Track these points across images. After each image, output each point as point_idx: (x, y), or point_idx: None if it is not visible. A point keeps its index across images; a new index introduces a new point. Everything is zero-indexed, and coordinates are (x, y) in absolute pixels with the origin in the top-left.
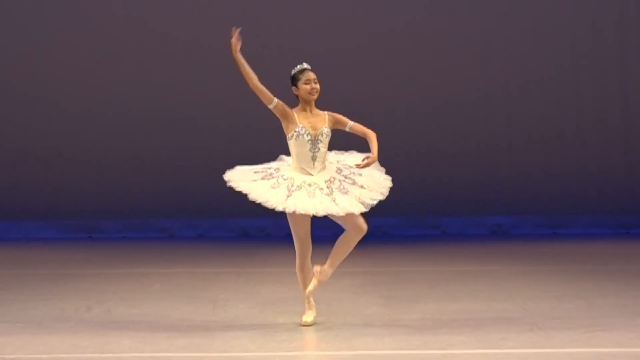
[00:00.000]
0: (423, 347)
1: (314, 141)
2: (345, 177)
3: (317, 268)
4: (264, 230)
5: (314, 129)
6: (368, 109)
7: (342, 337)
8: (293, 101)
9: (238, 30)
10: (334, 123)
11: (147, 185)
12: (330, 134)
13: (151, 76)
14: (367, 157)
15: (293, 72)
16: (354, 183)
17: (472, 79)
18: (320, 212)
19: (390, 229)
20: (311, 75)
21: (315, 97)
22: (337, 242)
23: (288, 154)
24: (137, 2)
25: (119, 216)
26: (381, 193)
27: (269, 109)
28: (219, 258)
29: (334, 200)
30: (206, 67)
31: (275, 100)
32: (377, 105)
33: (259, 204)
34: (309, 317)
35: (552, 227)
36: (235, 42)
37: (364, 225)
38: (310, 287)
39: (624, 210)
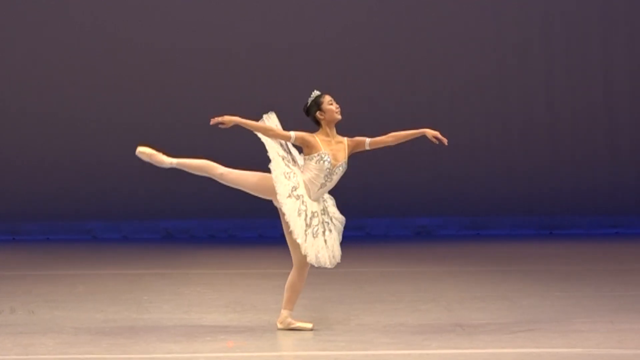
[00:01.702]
0: (347, 348)
1: (331, 171)
2: (322, 221)
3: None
4: (188, 231)
5: (336, 159)
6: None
7: (266, 338)
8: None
9: (215, 120)
10: (354, 147)
11: (71, 187)
12: (345, 169)
13: (76, 77)
14: (434, 136)
15: (310, 100)
16: (323, 232)
17: (395, 82)
18: (294, 235)
19: None
20: (330, 97)
21: (340, 116)
22: (286, 285)
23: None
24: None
25: (42, 218)
26: (330, 262)
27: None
28: (142, 260)
29: (306, 235)
30: (133, 69)
31: (292, 134)
32: (300, 106)
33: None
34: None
35: (476, 228)
36: (221, 120)
37: (304, 270)
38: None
39: (547, 212)
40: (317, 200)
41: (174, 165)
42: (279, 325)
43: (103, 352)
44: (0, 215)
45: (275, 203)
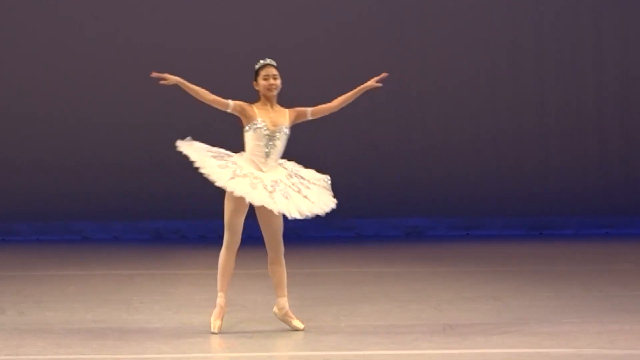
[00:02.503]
0: (337, 348)
1: (271, 137)
2: (293, 184)
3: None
4: (178, 232)
5: (274, 124)
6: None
7: (256, 339)
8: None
9: (154, 74)
10: (296, 117)
11: (61, 187)
12: (288, 134)
13: (56, 77)
14: (376, 81)
15: (256, 66)
16: (299, 191)
17: (387, 80)
18: (256, 202)
19: (305, 230)
20: (271, 70)
21: (274, 93)
22: (271, 274)
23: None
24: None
25: (32, 218)
26: (322, 209)
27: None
28: (133, 260)
29: (273, 198)
30: (123, 67)
31: (231, 102)
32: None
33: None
34: (216, 322)
35: (467, 229)
36: (164, 81)
37: (281, 258)
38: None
39: (537, 212)
40: (272, 170)
41: (224, 295)
42: (276, 312)
43: (93, 353)
44: None
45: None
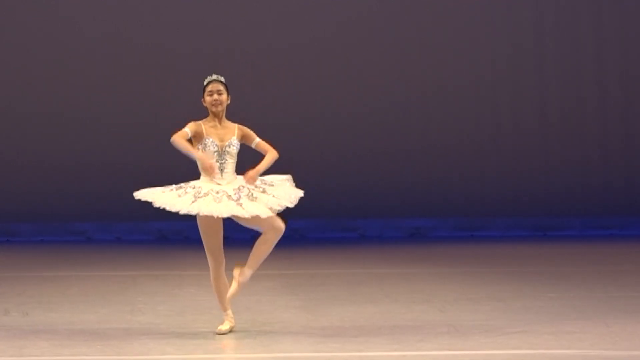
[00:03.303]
0: (341, 350)
1: (222, 152)
2: (256, 186)
3: (236, 270)
4: (182, 233)
5: (222, 140)
6: (275, 112)
7: (260, 340)
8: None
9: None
10: (243, 137)
11: (64, 188)
12: (238, 146)
13: (59, 77)
14: (249, 171)
15: (204, 83)
16: (264, 192)
17: (390, 81)
18: (224, 214)
19: (308, 231)
20: (216, 86)
21: (219, 109)
22: (256, 243)
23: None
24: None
25: (35, 219)
26: (290, 202)
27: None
28: (136, 261)
29: (241, 205)
30: (127, 67)
31: (187, 130)
32: (293, 108)
33: (165, 210)
34: (225, 325)
35: (470, 230)
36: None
37: (281, 225)
38: (232, 290)
39: (541, 213)
40: (232, 181)
41: (228, 311)
42: (236, 275)
43: (97, 354)
44: None
45: (233, 217)
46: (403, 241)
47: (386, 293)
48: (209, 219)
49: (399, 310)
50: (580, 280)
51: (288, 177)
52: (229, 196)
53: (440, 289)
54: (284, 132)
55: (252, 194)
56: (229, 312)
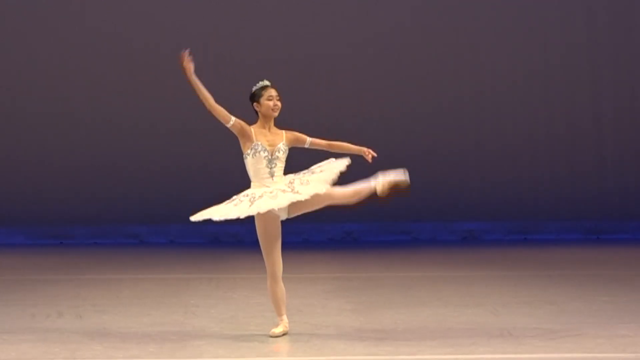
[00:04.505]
0: (394, 353)
1: (271, 158)
2: (304, 174)
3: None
4: (235, 235)
5: (271, 145)
6: (338, 114)
7: (312, 343)
8: (252, 118)
9: (187, 51)
10: (293, 141)
11: (118, 191)
12: (287, 151)
13: (122, 81)
14: (364, 152)
15: (254, 88)
16: (312, 173)
17: (442, 85)
18: (284, 203)
19: (361, 235)
20: (273, 92)
21: (277, 114)
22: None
23: None
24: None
25: (89, 222)
26: (338, 169)
27: (227, 128)
28: (189, 264)
29: (297, 192)
30: (179, 74)
31: (233, 118)
32: (347, 110)
33: (226, 220)
34: (278, 328)
35: (523, 233)
36: (188, 65)
37: (346, 191)
38: None
39: (594, 216)
40: (281, 181)
41: (284, 319)
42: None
43: (150, 357)
44: (47, 220)
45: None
46: (456, 244)
47: (439, 296)
48: (268, 221)
49: (452, 314)
50: (634, 283)
51: (330, 159)
52: (283, 190)
53: (493, 292)
54: (335, 134)
55: (305, 180)
56: (284, 317)
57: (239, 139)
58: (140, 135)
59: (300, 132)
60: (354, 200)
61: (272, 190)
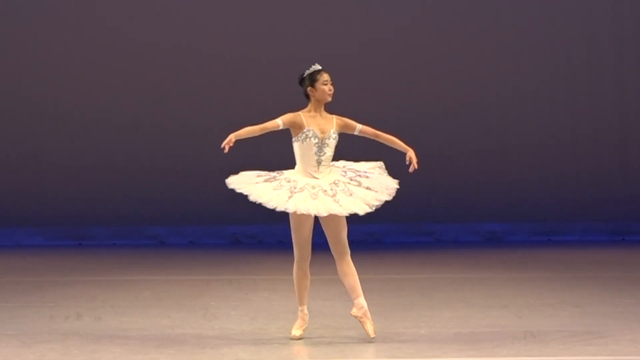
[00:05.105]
0: (417, 355)
1: (321, 144)
2: (351, 179)
3: (357, 312)
4: (255, 237)
5: (322, 131)
6: (361, 114)
7: (334, 346)
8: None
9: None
10: (343, 127)
11: (138, 192)
12: (337, 138)
13: (141, 82)
14: (410, 157)
15: (307, 72)
16: (359, 185)
17: (466, 84)
18: (323, 213)
19: (383, 235)
20: (327, 76)
21: (331, 99)
22: (342, 279)
23: (288, 159)
24: (136, 9)
25: (109, 223)
26: (388, 194)
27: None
28: (209, 265)
29: (338, 202)
30: (199, 74)
31: (280, 122)
32: (371, 111)
33: (260, 205)
34: (297, 331)
35: (547, 234)
36: (228, 142)
37: (346, 249)
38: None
39: (619, 217)
40: (326, 174)
41: (304, 309)
42: (355, 313)
43: (170, 359)
44: (67, 221)
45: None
46: (479, 246)
47: (462, 298)
48: (304, 215)
49: (475, 316)
50: None
51: (379, 164)
52: (325, 191)
53: (516, 294)
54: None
55: (347, 189)
56: (305, 308)
57: (291, 129)
58: (161, 136)
59: (351, 118)
60: (344, 275)
61: (314, 185)
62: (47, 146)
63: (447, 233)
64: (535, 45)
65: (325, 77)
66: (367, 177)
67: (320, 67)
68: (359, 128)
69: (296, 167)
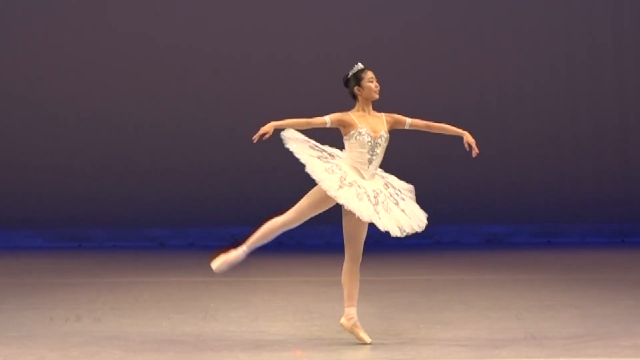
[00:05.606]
0: (417, 357)
1: (373, 144)
2: (390, 195)
3: (346, 323)
4: None
5: (375, 131)
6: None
7: (334, 347)
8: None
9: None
10: (393, 124)
11: (137, 193)
12: (389, 139)
13: (141, 83)
14: (468, 143)
15: (351, 73)
16: (396, 203)
17: (466, 85)
18: (365, 218)
19: (383, 237)
20: (372, 74)
21: (378, 96)
22: (343, 282)
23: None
24: (136, 11)
25: (108, 225)
26: (418, 226)
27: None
28: (209, 267)
29: (378, 212)
30: (199, 74)
31: (327, 119)
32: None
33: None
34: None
35: (548, 236)
36: (262, 133)
37: (359, 257)
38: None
39: (619, 219)
40: (372, 178)
41: (247, 251)
42: (344, 323)
43: None
44: (66, 222)
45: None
46: (479, 247)
47: (462, 300)
48: (331, 198)
49: (476, 318)
50: None
51: (411, 187)
52: (369, 196)
53: (517, 296)
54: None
55: (387, 203)
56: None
57: (341, 129)
58: (161, 137)
59: (399, 113)
60: (347, 280)
61: (360, 186)
62: (46, 148)
63: (447, 235)
64: (535, 45)
65: (370, 74)
66: (402, 199)
67: (363, 66)
68: (408, 122)
69: (346, 155)
